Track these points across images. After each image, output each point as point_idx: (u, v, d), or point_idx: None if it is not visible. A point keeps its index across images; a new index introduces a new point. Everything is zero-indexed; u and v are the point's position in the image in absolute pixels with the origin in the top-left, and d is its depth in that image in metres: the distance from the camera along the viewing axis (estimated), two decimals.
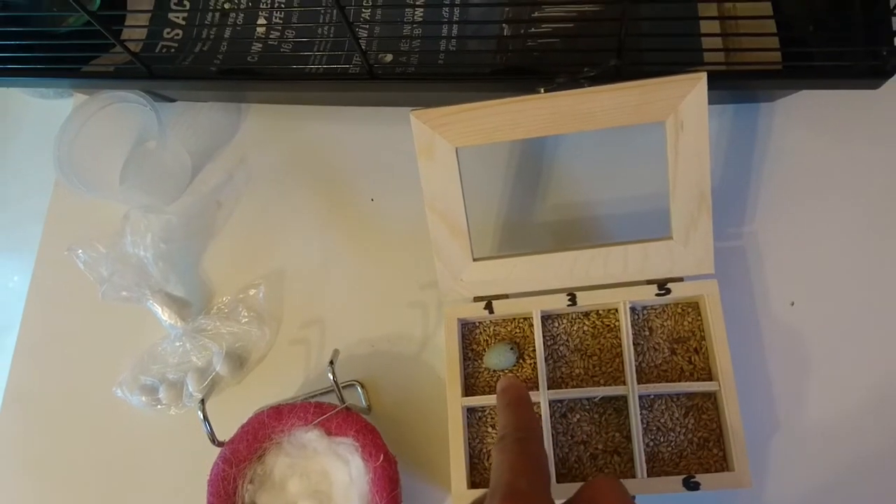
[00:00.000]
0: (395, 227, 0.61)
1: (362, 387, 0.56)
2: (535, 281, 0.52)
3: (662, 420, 0.50)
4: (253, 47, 0.62)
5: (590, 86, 0.47)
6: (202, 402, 0.51)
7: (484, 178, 0.60)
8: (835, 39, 0.50)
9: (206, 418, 0.51)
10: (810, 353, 0.53)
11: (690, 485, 0.46)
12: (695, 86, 0.46)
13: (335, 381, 0.50)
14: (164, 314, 0.58)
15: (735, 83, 0.51)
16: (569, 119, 0.48)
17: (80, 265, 0.57)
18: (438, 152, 0.49)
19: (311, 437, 0.50)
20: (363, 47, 0.49)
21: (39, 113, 0.84)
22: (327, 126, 0.65)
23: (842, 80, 0.49)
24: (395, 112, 0.63)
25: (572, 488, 0.47)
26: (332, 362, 0.50)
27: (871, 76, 0.47)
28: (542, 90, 0.48)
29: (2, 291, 0.91)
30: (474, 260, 0.52)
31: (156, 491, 0.57)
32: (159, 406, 0.58)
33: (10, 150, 0.89)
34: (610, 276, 0.51)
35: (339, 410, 0.50)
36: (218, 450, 0.52)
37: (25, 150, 0.90)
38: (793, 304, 0.54)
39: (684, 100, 0.47)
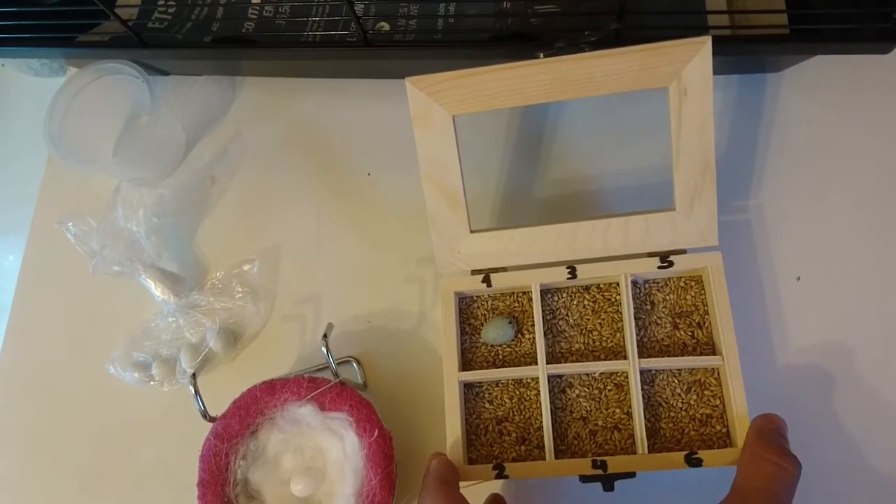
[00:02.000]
0: (391, 202, 0.60)
1: (358, 363, 0.55)
2: (534, 253, 0.50)
3: (664, 396, 0.49)
4: (247, 23, 0.61)
5: (591, 51, 0.46)
6: (193, 376, 0.50)
7: (482, 152, 0.59)
8: (843, 2, 0.48)
9: (197, 393, 0.50)
10: (816, 329, 0.51)
11: (692, 461, 0.45)
12: (699, 50, 0.45)
13: (329, 355, 0.49)
14: (156, 289, 0.57)
15: (740, 48, 0.49)
16: (569, 85, 0.46)
17: (71, 238, 0.56)
18: (435, 120, 0.48)
19: (305, 413, 0.49)
20: (358, 15, 0.48)
21: (35, 92, 0.83)
22: (323, 100, 0.64)
23: (850, 45, 0.48)
24: (391, 85, 0.62)
25: (571, 464, 0.47)
26: (325, 336, 0.49)
27: (880, 40, 0.46)
28: (542, 55, 0.46)
29: None
30: (472, 232, 0.50)
31: (148, 467, 0.56)
32: (152, 382, 0.57)
33: (7, 130, 0.88)
34: (611, 248, 0.50)
35: (334, 385, 0.49)
36: (210, 426, 0.51)
37: (22, 129, 0.89)
38: (799, 278, 0.53)
39: (688, 65, 0.45)
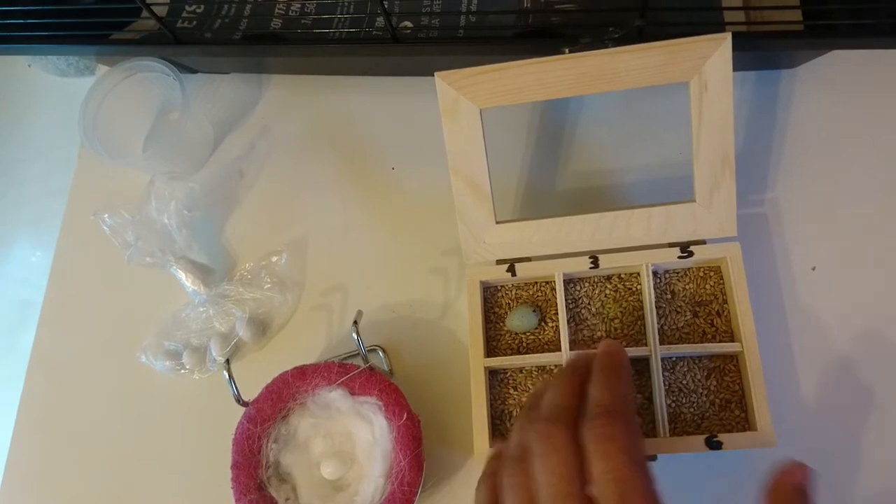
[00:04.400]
0: (416, 195, 0.62)
1: (384, 352, 0.57)
2: (558, 243, 0.52)
3: (684, 382, 0.50)
4: (274, 20, 0.63)
5: (614, 47, 0.47)
6: (227, 361, 0.52)
7: (505, 147, 0.60)
8: None
9: (231, 378, 0.51)
10: (832, 318, 0.53)
11: (713, 444, 0.47)
12: (719, 46, 0.46)
13: (359, 341, 0.50)
14: (187, 280, 0.59)
15: (756, 44, 0.51)
16: (594, 80, 0.48)
17: (106, 229, 0.57)
18: (463, 114, 0.50)
19: (335, 397, 0.51)
20: (386, 9, 0.50)
21: (60, 92, 0.85)
22: (348, 96, 0.66)
23: (865, 40, 0.49)
24: (414, 83, 0.64)
25: None
26: (356, 322, 0.51)
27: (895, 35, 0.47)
28: (567, 51, 0.48)
29: (24, 266, 0.92)
30: (497, 222, 0.52)
31: (180, 453, 0.58)
32: (183, 371, 0.59)
33: (32, 129, 0.91)
34: (632, 238, 0.51)
35: (363, 371, 0.51)
36: (241, 412, 0.52)
37: (47, 129, 0.91)
38: (814, 268, 0.54)
39: (709, 60, 0.47)
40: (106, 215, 0.58)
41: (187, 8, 0.66)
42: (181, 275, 0.59)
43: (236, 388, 0.51)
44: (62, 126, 0.89)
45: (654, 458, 0.47)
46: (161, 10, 0.65)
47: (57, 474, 0.59)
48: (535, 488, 0.35)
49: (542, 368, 0.52)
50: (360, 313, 0.52)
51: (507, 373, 0.52)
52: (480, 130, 0.50)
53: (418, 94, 0.64)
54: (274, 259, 0.61)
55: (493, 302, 0.54)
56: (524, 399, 0.51)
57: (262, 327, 0.59)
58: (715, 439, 0.47)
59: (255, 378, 0.53)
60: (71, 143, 0.73)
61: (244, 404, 0.52)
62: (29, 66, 0.90)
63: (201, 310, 0.59)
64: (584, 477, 0.34)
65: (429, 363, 0.56)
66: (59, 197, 0.71)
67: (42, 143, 0.92)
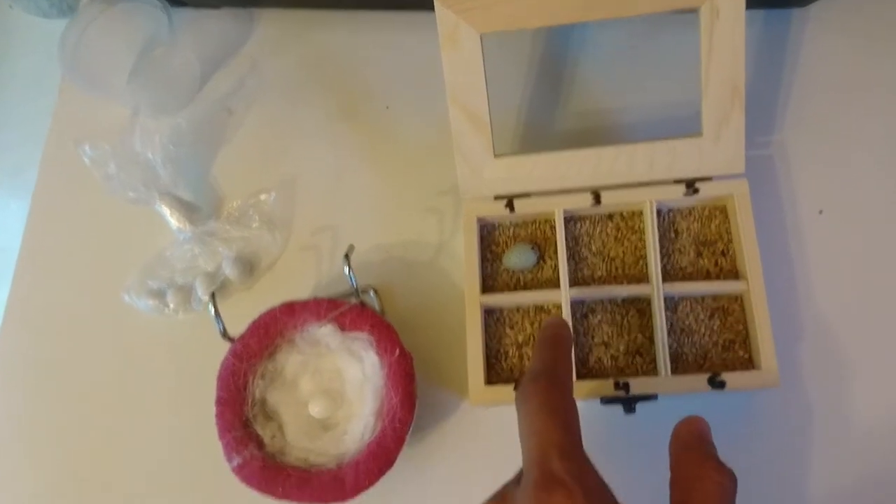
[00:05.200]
0: (410, 135, 0.59)
1: (376, 293, 0.55)
2: (559, 179, 0.50)
3: (687, 322, 0.48)
4: None
5: None
6: (213, 295, 0.50)
7: (505, 85, 0.58)
8: None
9: (217, 312, 0.49)
10: (838, 261, 0.51)
11: (716, 383, 0.45)
12: None
13: (350, 275, 0.48)
14: (172, 217, 0.57)
15: None
16: (602, 3, 0.46)
17: (87, 160, 0.55)
18: (463, 39, 0.47)
19: (325, 333, 0.49)
20: None
21: (42, 34, 0.81)
22: (340, 33, 0.63)
23: None
24: (411, 18, 0.62)
25: (593, 386, 0.46)
26: (347, 256, 0.49)
27: None
28: None
29: (1, 214, 0.89)
30: (496, 156, 0.50)
31: (165, 393, 0.56)
32: (167, 310, 0.57)
33: (12, 74, 0.87)
34: (636, 174, 0.49)
35: (354, 306, 0.49)
36: (228, 347, 0.50)
37: (27, 74, 0.88)
38: (821, 212, 0.53)
39: None
40: (87, 146, 0.55)
41: None
42: (166, 211, 0.57)
43: (222, 322, 0.49)
44: (43, 71, 0.86)
45: (654, 397, 0.45)
46: None
47: (40, 419, 0.57)
48: None
49: (539, 308, 0.50)
50: (351, 247, 0.50)
51: (503, 312, 0.51)
52: (481, 58, 0.48)
53: (414, 31, 0.61)
54: (262, 197, 0.59)
55: (489, 240, 0.52)
56: (520, 339, 0.49)
57: (249, 267, 0.57)
58: (718, 379, 0.45)
59: (241, 318, 0.51)
60: (52, 90, 0.70)
61: (230, 340, 0.50)
62: (10, 6, 0.87)
63: (186, 248, 0.57)
64: None
65: (422, 304, 0.55)
66: (38, 145, 0.68)
67: (22, 89, 0.89)
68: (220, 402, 0.48)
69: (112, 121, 0.62)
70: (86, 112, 0.65)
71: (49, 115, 0.67)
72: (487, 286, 0.51)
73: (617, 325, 0.49)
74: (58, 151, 0.64)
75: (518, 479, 0.33)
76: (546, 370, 0.35)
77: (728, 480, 0.31)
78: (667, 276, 0.49)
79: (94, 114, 0.64)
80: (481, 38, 0.48)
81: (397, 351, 0.47)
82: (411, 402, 0.47)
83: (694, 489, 0.31)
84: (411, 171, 0.58)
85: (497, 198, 0.51)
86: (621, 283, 0.50)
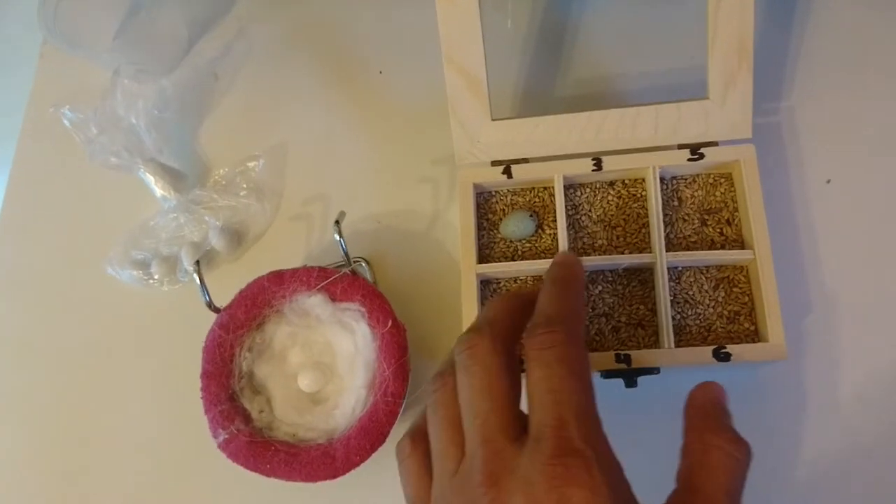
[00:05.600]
0: (404, 102, 0.57)
1: (368, 263, 0.53)
2: (558, 144, 0.48)
3: (690, 293, 0.47)
4: None
5: None
6: (198, 263, 0.48)
7: (502, 46, 0.56)
8: None
9: (202, 281, 0.47)
10: (846, 231, 0.50)
11: (721, 356, 0.43)
12: None
13: (341, 241, 0.46)
14: (156, 185, 0.55)
15: None
16: None
17: (67, 123, 0.53)
18: None
19: (315, 303, 0.47)
20: None
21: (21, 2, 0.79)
22: None
23: None
24: None
25: (593, 359, 0.45)
26: (337, 222, 0.47)
27: None
28: None
29: None
30: (493, 120, 0.48)
31: (149, 367, 0.54)
32: (151, 281, 0.55)
33: None
34: (639, 139, 0.47)
35: (345, 274, 0.47)
36: (214, 318, 0.48)
37: (5, 43, 0.86)
38: (829, 181, 0.51)
39: None
40: (67, 109, 0.53)
41: None
42: (150, 179, 0.55)
43: (207, 292, 0.47)
44: (23, 37, 0.83)
45: (656, 371, 0.44)
46: None
47: (21, 392, 0.55)
48: (460, 404, 0.32)
49: (538, 278, 0.48)
50: (342, 214, 0.47)
51: (499, 282, 0.49)
52: (478, 13, 0.46)
53: None
54: (251, 165, 0.56)
55: (486, 208, 0.50)
56: None
57: (236, 237, 0.55)
58: (723, 351, 0.43)
59: (228, 290, 0.49)
60: (31, 59, 0.68)
61: (216, 310, 0.48)
62: None
63: (172, 216, 0.55)
64: (514, 391, 0.31)
65: (416, 276, 0.53)
66: (16, 116, 0.66)
67: (1, 57, 0.86)
68: (206, 375, 0.46)
69: (94, 86, 0.59)
70: (67, 77, 0.63)
71: (27, 86, 0.65)
72: (483, 256, 0.49)
73: (618, 296, 0.47)
74: (38, 118, 0.62)
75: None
76: (562, 317, 0.32)
77: (741, 453, 0.30)
78: (670, 246, 0.47)
79: (76, 79, 0.62)
80: None
81: (390, 322, 0.45)
82: (404, 374, 0.45)
83: (705, 458, 0.30)
84: (405, 139, 0.56)
85: (494, 163, 0.49)
86: (623, 252, 0.48)
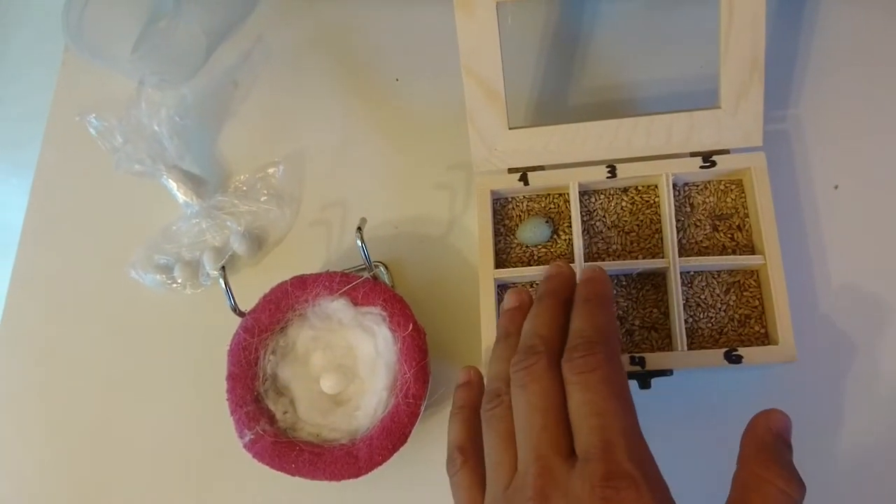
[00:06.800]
0: (421, 108, 0.59)
1: (386, 268, 0.54)
2: (574, 152, 0.49)
3: (702, 296, 0.48)
4: None
5: None
6: (223, 268, 0.49)
7: (518, 56, 0.57)
8: None
9: (227, 286, 0.48)
10: (854, 236, 0.51)
11: (732, 358, 0.45)
12: None
13: (363, 247, 0.47)
14: (179, 191, 0.56)
15: None
16: None
17: (93, 132, 0.54)
18: (478, 6, 0.47)
19: (337, 307, 0.48)
20: None
21: (41, 6, 0.80)
22: (349, 2, 0.62)
23: None
24: None
25: None
26: (359, 229, 0.48)
27: None
28: None
29: (2, 190, 0.88)
30: (510, 128, 0.49)
31: (173, 369, 0.55)
32: (174, 285, 0.56)
33: (11, 45, 0.86)
34: (652, 147, 0.49)
35: (366, 279, 0.48)
36: (237, 325, 0.49)
37: (27, 45, 0.87)
38: (837, 187, 0.52)
39: None
40: (93, 117, 0.54)
41: None
42: (172, 185, 0.56)
43: (232, 296, 0.48)
44: (43, 42, 0.84)
45: (669, 372, 0.45)
46: None
47: (46, 397, 0.56)
48: (515, 420, 0.33)
49: None
50: (363, 220, 0.49)
51: (516, 286, 0.50)
52: (496, 25, 0.47)
53: (425, 3, 0.60)
54: (270, 171, 0.58)
55: (502, 214, 0.51)
56: None
57: (257, 242, 0.57)
58: (734, 353, 0.45)
59: (250, 293, 0.50)
60: (53, 62, 0.69)
61: (240, 314, 0.49)
62: None
63: (194, 222, 0.56)
64: (566, 410, 0.32)
65: (434, 281, 0.54)
66: (39, 119, 0.67)
67: (21, 61, 0.87)
68: (231, 377, 0.48)
69: (115, 93, 0.61)
70: (89, 84, 0.64)
71: (49, 89, 0.66)
72: (500, 261, 0.50)
73: (632, 300, 0.48)
74: (61, 124, 0.63)
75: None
76: (599, 338, 0.33)
77: (795, 491, 0.29)
78: (682, 251, 0.48)
79: (98, 86, 0.63)
80: (497, 6, 0.47)
81: (410, 325, 0.47)
82: (425, 377, 0.46)
83: (756, 491, 0.30)
84: (422, 145, 0.57)
85: (511, 171, 0.50)
86: (636, 257, 0.49)
